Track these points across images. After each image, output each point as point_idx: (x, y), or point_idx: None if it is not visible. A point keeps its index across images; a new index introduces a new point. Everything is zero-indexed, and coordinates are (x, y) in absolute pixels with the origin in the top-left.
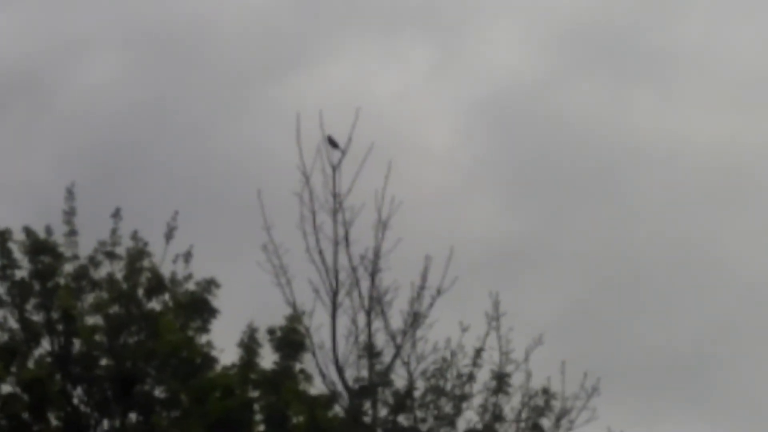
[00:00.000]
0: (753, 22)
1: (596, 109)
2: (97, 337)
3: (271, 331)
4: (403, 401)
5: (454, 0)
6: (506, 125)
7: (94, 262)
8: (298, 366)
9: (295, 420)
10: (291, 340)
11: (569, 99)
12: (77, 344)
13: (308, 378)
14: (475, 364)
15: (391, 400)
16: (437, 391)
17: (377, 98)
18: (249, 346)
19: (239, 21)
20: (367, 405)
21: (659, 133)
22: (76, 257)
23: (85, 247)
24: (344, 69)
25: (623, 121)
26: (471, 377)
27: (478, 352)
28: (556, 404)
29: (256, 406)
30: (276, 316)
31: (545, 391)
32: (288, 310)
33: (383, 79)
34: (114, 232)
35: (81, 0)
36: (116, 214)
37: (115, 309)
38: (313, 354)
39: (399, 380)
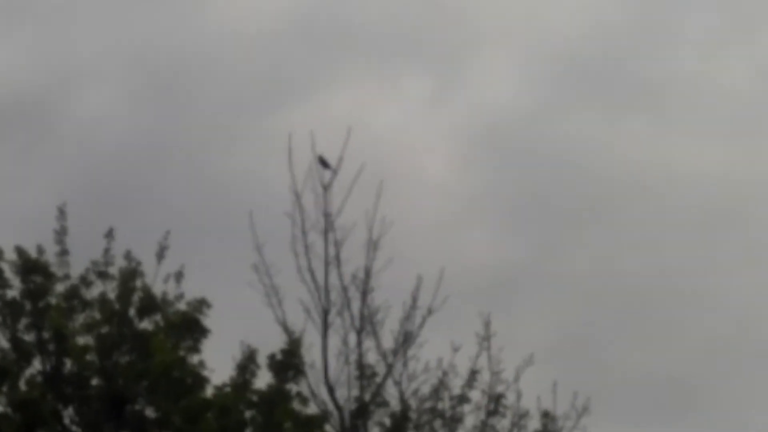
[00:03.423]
0: (746, 52)
1: (591, 139)
2: (89, 357)
3: (271, 356)
4: (398, 423)
5: (451, 32)
6: (502, 155)
7: (85, 281)
8: (294, 389)
9: None
10: (289, 363)
11: (564, 129)
12: (69, 364)
13: (304, 400)
14: (470, 385)
15: (385, 420)
16: (431, 413)
17: (374, 129)
18: (246, 366)
19: (237, 52)
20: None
21: (653, 163)
22: (67, 277)
23: (78, 268)
24: (341, 99)
25: (618, 151)
26: (464, 398)
27: (473, 374)
28: (548, 423)
29: (250, 427)
30: (267, 336)
31: (545, 415)
32: (279, 330)
33: (380, 110)
34: (107, 252)
35: (81, 31)
36: (109, 234)
37: (106, 329)
38: (304, 374)
39: (391, 400)
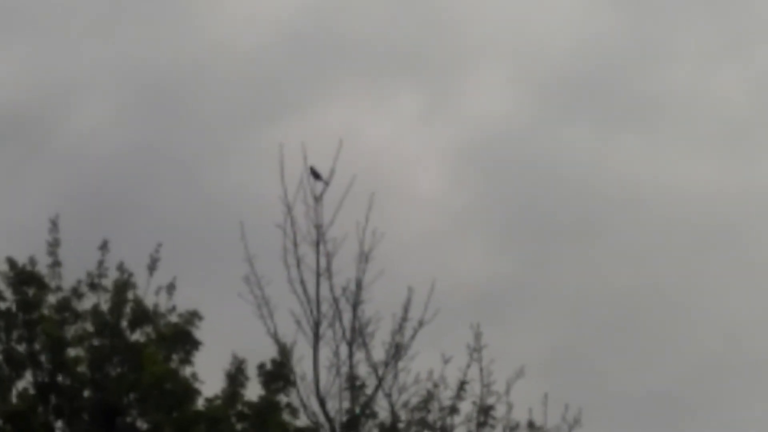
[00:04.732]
0: (739, 67)
1: (583, 155)
2: (81, 369)
3: (260, 366)
4: None
5: (444, 47)
6: (494, 169)
7: (77, 293)
8: (284, 400)
9: None
10: (279, 374)
11: (556, 144)
12: (61, 376)
13: (294, 412)
14: (458, 396)
15: None
16: (421, 424)
17: (366, 142)
18: (236, 377)
19: (229, 66)
20: None
21: (645, 178)
22: (59, 288)
23: (71, 279)
24: (334, 113)
25: (610, 166)
26: (454, 409)
27: (462, 385)
28: None
29: None
30: (258, 347)
31: (531, 425)
32: (270, 342)
33: (372, 123)
34: (100, 264)
35: (74, 45)
36: (103, 246)
37: (98, 341)
38: (295, 385)
39: (381, 412)
